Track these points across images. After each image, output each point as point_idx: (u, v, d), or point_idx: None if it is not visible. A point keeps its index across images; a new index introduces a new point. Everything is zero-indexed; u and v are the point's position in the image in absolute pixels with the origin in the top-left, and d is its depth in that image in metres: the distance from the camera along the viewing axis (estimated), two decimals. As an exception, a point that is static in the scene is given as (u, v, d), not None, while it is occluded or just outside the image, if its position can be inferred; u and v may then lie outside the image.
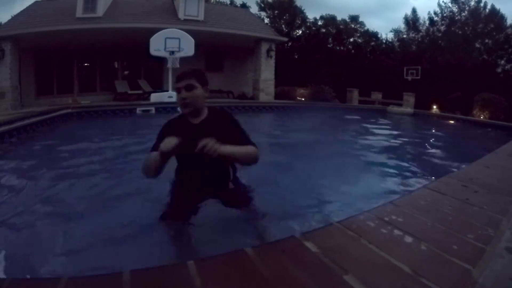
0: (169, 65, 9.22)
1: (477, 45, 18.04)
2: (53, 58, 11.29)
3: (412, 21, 20.77)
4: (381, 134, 6.52)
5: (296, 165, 3.61)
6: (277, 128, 7.77)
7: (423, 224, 1.17)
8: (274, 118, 9.33)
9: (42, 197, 2.46)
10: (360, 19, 23.35)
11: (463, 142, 6.42)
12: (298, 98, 14.06)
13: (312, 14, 33.87)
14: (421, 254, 0.96)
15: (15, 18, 10.57)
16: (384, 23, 41.14)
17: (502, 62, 17.91)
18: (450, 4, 19.16)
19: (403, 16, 23.54)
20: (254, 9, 22.81)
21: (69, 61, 11.63)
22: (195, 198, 1.72)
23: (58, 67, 11.52)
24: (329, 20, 23.08)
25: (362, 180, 3.22)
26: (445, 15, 19.44)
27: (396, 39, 21.92)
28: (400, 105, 11.15)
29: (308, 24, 23.71)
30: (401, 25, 21.47)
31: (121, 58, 12.55)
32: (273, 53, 12.01)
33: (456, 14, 19.08)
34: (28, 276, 1.44)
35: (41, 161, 3.59)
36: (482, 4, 18.17)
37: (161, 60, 10.12)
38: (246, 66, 13.79)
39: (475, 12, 18.22)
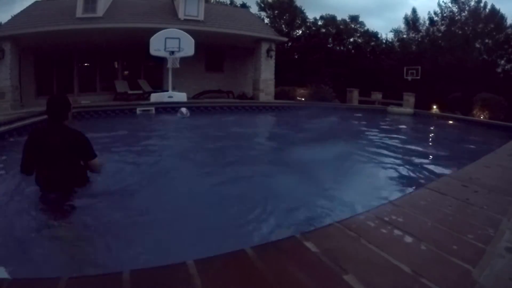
0: (169, 65, 9.22)
1: (477, 45, 18.04)
2: (53, 58, 11.29)
3: (412, 21, 20.77)
4: (381, 134, 6.52)
5: (295, 165, 3.61)
6: (276, 129, 7.77)
7: (423, 224, 1.17)
8: (274, 118, 9.33)
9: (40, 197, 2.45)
10: (360, 19, 23.39)
11: (463, 142, 6.42)
12: (298, 98, 14.06)
13: (311, 14, 33.78)
14: (421, 254, 0.96)
15: (15, 18, 10.57)
16: (383, 23, 41.15)
17: (502, 62, 17.91)
18: (450, 4, 19.18)
19: (403, 16, 23.53)
20: (254, 9, 22.84)
21: (69, 61, 11.63)
22: None
23: (58, 67, 11.52)
24: (329, 20, 23.08)
25: (362, 180, 3.22)
26: (445, 15, 19.45)
27: (396, 39, 21.92)
28: (400, 105, 11.14)
29: (308, 24, 23.72)
30: (401, 25, 21.50)
31: (121, 58, 12.54)
32: (273, 53, 12.00)
33: (456, 14, 19.08)
34: (28, 276, 1.44)
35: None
36: (482, 4, 18.17)
37: (161, 60, 10.12)
38: (246, 66, 13.79)
39: (475, 12, 18.22)
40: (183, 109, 7.31)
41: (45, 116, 2.33)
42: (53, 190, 2.18)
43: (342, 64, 20.45)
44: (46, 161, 2.14)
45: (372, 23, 46.89)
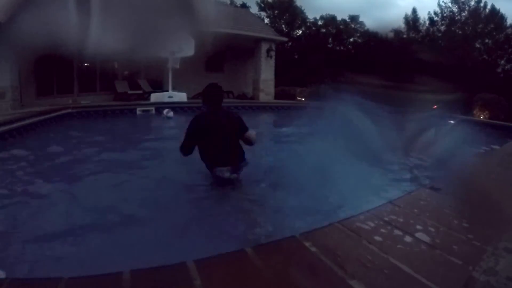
0: (169, 65, 9.22)
1: (477, 45, 18.04)
2: (53, 58, 11.27)
3: (412, 21, 20.78)
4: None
5: (295, 165, 3.61)
6: (276, 128, 7.76)
7: (423, 224, 1.17)
8: (274, 118, 9.33)
9: (41, 197, 2.46)
10: (359, 19, 23.39)
11: (463, 142, 6.41)
12: (298, 98, 14.05)
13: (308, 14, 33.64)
14: (421, 254, 0.96)
15: (15, 18, 10.55)
16: (376, 23, 40.88)
17: (502, 62, 17.91)
18: (450, 4, 19.19)
19: (392, 16, 23.53)
20: (254, 9, 22.85)
21: (69, 61, 11.61)
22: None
23: (58, 67, 11.50)
24: (329, 20, 23.09)
25: (362, 180, 3.22)
26: (445, 15, 19.46)
27: (396, 39, 21.91)
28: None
29: (308, 24, 23.73)
30: (401, 25, 21.52)
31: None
32: (273, 53, 12.00)
33: (456, 14, 19.09)
34: (28, 276, 1.44)
35: (41, 161, 3.59)
36: (482, 4, 18.18)
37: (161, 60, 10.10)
38: (246, 66, 13.78)
39: (475, 12, 18.23)
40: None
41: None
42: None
43: (342, 64, 20.45)
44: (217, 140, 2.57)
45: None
